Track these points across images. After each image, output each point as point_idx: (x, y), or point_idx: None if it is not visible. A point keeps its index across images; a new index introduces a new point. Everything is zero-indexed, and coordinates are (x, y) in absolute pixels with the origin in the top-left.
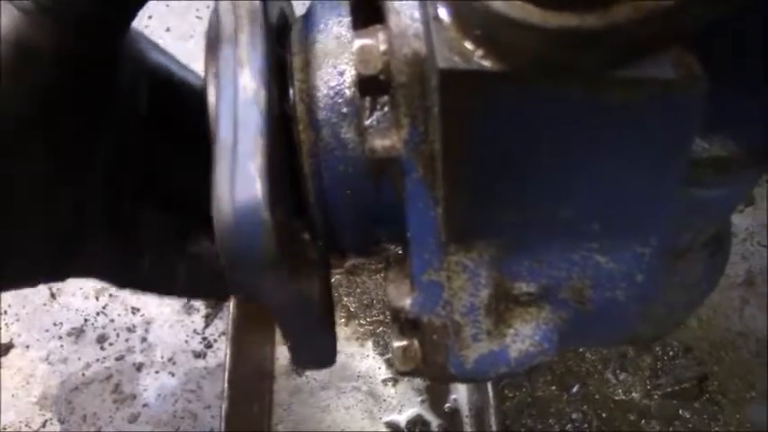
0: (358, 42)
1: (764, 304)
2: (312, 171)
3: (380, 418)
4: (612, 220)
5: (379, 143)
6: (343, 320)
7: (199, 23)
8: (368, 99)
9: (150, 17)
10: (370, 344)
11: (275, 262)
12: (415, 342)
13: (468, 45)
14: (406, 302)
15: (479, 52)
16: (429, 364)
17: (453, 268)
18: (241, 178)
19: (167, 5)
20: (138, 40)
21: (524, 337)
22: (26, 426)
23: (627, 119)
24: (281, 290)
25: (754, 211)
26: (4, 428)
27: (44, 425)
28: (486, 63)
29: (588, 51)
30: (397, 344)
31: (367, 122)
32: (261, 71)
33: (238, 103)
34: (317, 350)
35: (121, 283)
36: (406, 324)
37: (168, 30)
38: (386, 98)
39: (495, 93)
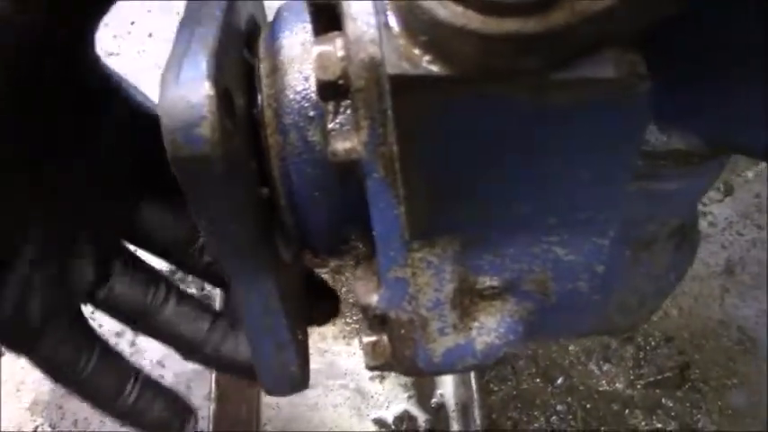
0: (316, 49)
1: (744, 293)
2: (281, 174)
3: (368, 415)
4: (568, 214)
5: (341, 146)
6: None
7: None
8: (331, 103)
9: (132, 23)
10: (356, 341)
11: (218, 131)
12: (384, 337)
13: (417, 51)
14: (374, 299)
15: (427, 57)
16: (398, 359)
17: (418, 264)
18: (189, 61)
19: (149, 11)
20: (119, 80)
21: (490, 329)
22: None
23: (573, 119)
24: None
25: (733, 201)
26: None
27: (35, 430)
28: (434, 68)
29: (530, 55)
30: (366, 339)
31: (330, 126)
32: (222, 7)
33: (195, 31)
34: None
35: (55, 370)
36: (375, 320)
37: (150, 35)
38: (348, 101)
39: (445, 97)
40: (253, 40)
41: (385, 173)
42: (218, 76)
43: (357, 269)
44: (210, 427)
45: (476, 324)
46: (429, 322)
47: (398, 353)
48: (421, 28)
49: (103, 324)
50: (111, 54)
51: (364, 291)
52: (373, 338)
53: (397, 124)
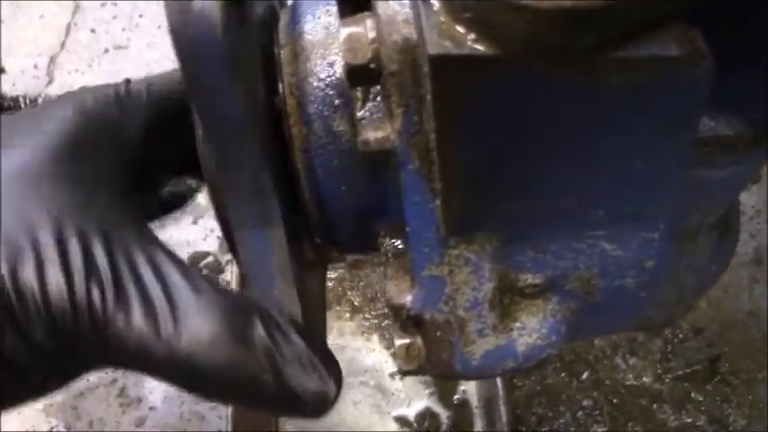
0: (345, 31)
1: None
2: (305, 167)
3: (389, 413)
4: (617, 206)
5: (372, 135)
6: (347, 315)
7: None
8: (360, 89)
9: (141, 16)
10: (375, 338)
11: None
12: (419, 340)
13: (460, 29)
14: (407, 299)
15: (471, 36)
16: (434, 362)
17: (455, 262)
18: None
19: (158, 4)
20: None
21: (531, 330)
22: None
23: (628, 101)
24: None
25: (761, 189)
26: None
27: (50, 431)
28: (479, 47)
29: (585, 32)
30: (399, 342)
31: (359, 114)
32: None
33: None
34: None
35: None
36: (408, 321)
37: (159, 27)
38: (378, 88)
39: (490, 78)
40: (272, 26)
41: (420, 163)
42: None
43: (387, 267)
44: (229, 427)
45: (517, 324)
46: (467, 323)
47: (434, 356)
48: (465, 4)
49: None
50: (119, 47)
51: (396, 290)
52: (407, 341)
53: (436, 109)
